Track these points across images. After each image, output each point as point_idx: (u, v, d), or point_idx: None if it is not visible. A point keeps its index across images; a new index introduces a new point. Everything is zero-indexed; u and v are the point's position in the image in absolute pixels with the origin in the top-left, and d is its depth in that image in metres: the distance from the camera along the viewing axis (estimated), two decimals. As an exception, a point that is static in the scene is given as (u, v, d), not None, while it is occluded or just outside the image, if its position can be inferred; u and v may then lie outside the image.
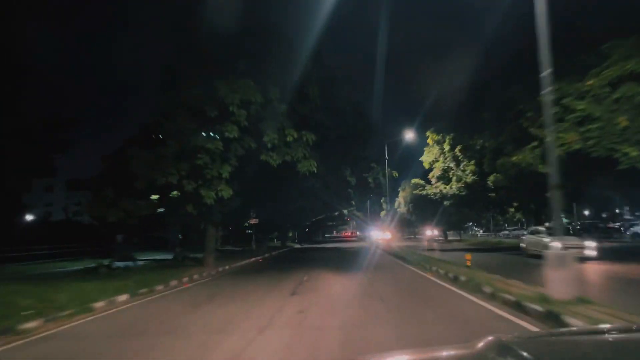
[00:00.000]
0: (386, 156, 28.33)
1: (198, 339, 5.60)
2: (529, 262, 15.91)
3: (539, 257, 15.62)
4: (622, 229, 37.46)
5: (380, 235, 44.26)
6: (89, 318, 7.38)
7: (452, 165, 26.27)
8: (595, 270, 12.74)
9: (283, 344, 5.16)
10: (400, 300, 7.96)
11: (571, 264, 6.28)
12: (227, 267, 17.61)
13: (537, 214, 26.16)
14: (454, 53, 19.41)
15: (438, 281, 10.23)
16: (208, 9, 13.77)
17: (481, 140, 23.01)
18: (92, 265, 15.30)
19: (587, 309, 5.49)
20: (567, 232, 15.49)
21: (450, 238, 49.59)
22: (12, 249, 21.02)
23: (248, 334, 5.59)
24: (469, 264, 11.40)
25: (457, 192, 24.53)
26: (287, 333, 5.66)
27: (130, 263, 17.43)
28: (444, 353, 1.70)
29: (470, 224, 56.65)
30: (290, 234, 51.08)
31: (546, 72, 6.80)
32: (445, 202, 27.78)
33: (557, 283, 6.17)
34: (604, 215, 51.38)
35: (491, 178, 21.39)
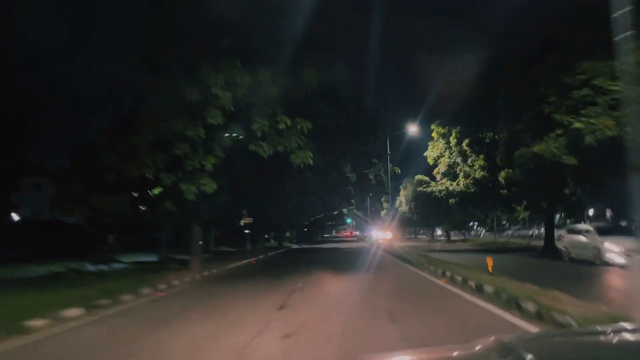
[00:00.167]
0: (388, 151, 26.67)
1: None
2: (560, 267, 14.19)
3: (585, 262, 13.93)
4: None
5: (380, 235, 42.59)
6: (15, 345, 5.69)
7: (458, 160, 24.59)
8: None
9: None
10: (417, 320, 6.26)
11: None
12: (214, 270, 15.95)
13: (549, 212, 24.48)
14: (464, 37, 17.61)
15: (458, 291, 8.54)
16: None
17: (491, 133, 21.36)
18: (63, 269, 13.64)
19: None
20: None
21: (452, 238, 47.92)
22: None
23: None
24: (491, 269, 9.69)
25: (465, 189, 22.85)
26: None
27: (105, 266, 15.73)
28: (445, 354, 1.72)
29: (472, 223, 54.90)
30: (288, 234, 49.38)
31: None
32: (450, 200, 26.08)
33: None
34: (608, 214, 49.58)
35: (502, 174, 19.71)
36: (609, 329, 1.87)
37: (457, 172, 24.19)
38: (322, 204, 30.78)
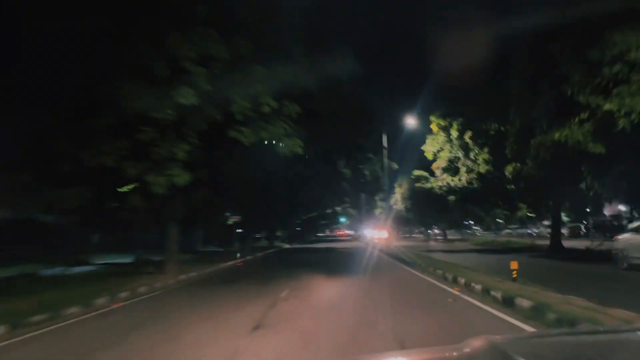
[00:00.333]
0: (385, 145, 25.00)
1: None
2: (589, 270, 12.44)
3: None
4: None
5: (375, 234, 40.91)
6: None
7: (460, 154, 22.96)
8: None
9: None
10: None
11: None
12: (193, 274, 14.22)
13: (555, 210, 23.00)
14: (470, 9, 15.88)
15: (478, 304, 6.85)
16: None
17: (496, 124, 19.77)
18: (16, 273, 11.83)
19: None
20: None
21: (449, 237, 46.40)
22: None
23: None
24: (515, 275, 8.01)
25: (467, 184, 21.24)
26: None
27: (71, 270, 13.93)
28: (435, 355, 1.70)
29: (468, 222, 53.41)
30: (280, 233, 47.58)
31: None
32: (450, 197, 24.44)
33: None
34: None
35: (509, 168, 18.13)
36: (602, 330, 2.10)
37: (460, 166, 22.56)
38: (315, 202, 29.05)
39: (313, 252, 28.36)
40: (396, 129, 28.64)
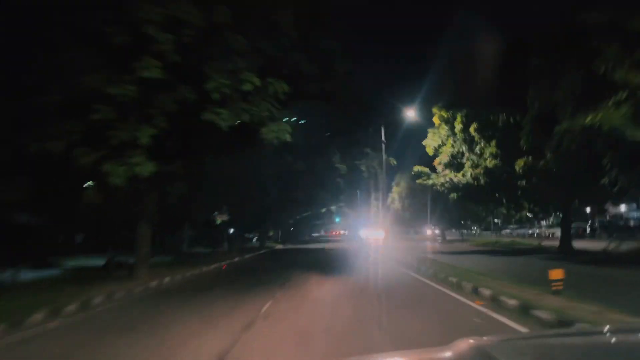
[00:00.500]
0: (383, 139, 23.28)
1: None
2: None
3: None
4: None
5: (371, 234, 39.22)
6: None
7: (464, 148, 21.32)
8: None
9: None
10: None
11: None
12: (167, 279, 12.49)
13: (565, 208, 21.46)
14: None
15: (514, 325, 5.19)
16: None
17: (504, 115, 18.17)
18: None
19: None
20: None
21: (448, 238, 44.80)
22: None
23: None
24: (560, 287, 6.27)
25: (472, 180, 19.58)
26: None
27: (27, 274, 12.12)
28: (420, 356, 1.70)
29: (467, 222, 51.83)
30: (272, 233, 45.75)
31: None
32: (452, 195, 22.75)
33: None
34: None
35: (520, 162, 16.53)
36: (594, 330, 2.01)
37: (465, 160, 20.92)
38: (308, 200, 27.30)
39: (306, 253, 26.60)
40: (394, 124, 26.91)
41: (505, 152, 18.14)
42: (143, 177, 9.10)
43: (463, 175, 20.36)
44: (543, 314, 5.09)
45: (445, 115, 21.36)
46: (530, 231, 47.92)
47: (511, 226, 54.22)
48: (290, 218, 39.39)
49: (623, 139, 9.43)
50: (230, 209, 25.21)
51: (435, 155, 24.84)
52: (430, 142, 24.21)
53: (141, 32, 8.27)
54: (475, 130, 19.43)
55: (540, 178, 15.72)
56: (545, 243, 26.54)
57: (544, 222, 55.87)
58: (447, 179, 21.10)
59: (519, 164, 16.53)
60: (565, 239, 20.87)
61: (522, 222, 52.55)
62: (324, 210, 45.21)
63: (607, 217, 41.46)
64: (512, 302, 5.96)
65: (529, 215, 43.87)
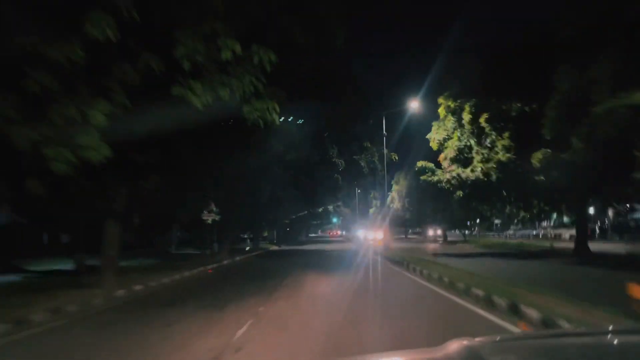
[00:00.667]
0: (384, 132, 21.61)
1: None
2: None
3: None
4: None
5: (370, 235, 37.47)
6: None
7: (472, 142, 19.68)
8: None
9: None
10: None
11: None
12: (138, 287, 10.79)
13: (581, 206, 19.87)
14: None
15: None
16: None
17: (519, 104, 16.55)
18: None
19: None
20: None
21: (449, 239, 43.07)
22: None
23: None
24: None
25: (482, 177, 17.90)
26: None
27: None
28: (411, 357, 1.68)
29: (470, 222, 50.07)
30: (267, 234, 43.94)
31: None
32: (458, 193, 21.04)
33: None
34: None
35: (538, 155, 14.90)
36: (586, 331, 2.06)
37: (473, 155, 19.26)
38: (304, 198, 25.55)
39: (302, 255, 24.85)
40: (396, 118, 25.25)
41: (519, 145, 16.51)
42: (96, 163, 7.36)
43: (472, 171, 18.70)
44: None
45: (452, 106, 19.72)
46: (534, 232, 46.31)
47: (513, 227, 52.60)
48: (286, 218, 37.59)
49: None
50: (220, 208, 23.49)
51: (439, 151, 23.21)
52: (434, 136, 22.57)
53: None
54: (486, 121, 17.78)
55: (563, 172, 14.08)
56: (559, 245, 24.93)
57: (544, 223, 54.40)
58: (455, 175, 19.42)
59: (537, 157, 14.89)
60: (582, 240, 19.26)
61: (524, 223, 51.02)
62: (321, 209, 43.50)
63: (611, 217, 39.92)
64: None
65: (530, 215, 42.31)
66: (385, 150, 22.18)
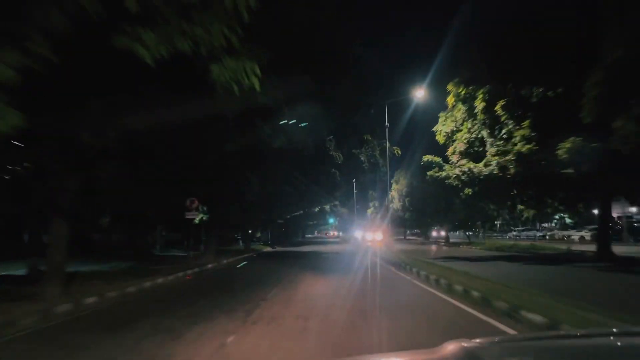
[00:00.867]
0: (387, 123, 19.63)
1: None
2: None
3: None
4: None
5: (369, 236, 35.50)
6: None
7: (484, 133, 17.73)
8: None
9: None
10: None
11: None
12: (91, 300, 8.73)
13: (604, 205, 18.01)
14: None
15: None
16: None
17: (541, 89, 14.61)
18: None
19: None
20: None
21: (451, 240, 41.13)
22: None
23: None
24: None
25: (498, 171, 15.93)
26: None
27: None
28: (409, 358, 1.66)
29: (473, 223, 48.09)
30: (259, 234, 41.87)
31: None
32: (466, 191, 19.04)
33: None
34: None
35: (565, 145, 12.97)
36: (583, 333, 1.91)
37: (487, 147, 17.29)
38: (298, 195, 23.51)
39: (295, 257, 22.81)
40: (397, 110, 23.29)
41: (541, 134, 14.57)
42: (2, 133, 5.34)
43: (486, 165, 16.72)
44: None
45: (463, 93, 17.74)
46: (539, 233, 44.48)
47: (518, 228, 50.76)
48: (280, 217, 35.53)
49: None
50: (207, 206, 21.49)
51: (445, 146, 21.30)
52: (441, 128, 20.65)
53: None
54: (503, 108, 15.81)
55: (595, 164, 12.16)
56: (576, 248, 23.07)
57: (545, 224, 52.65)
58: (466, 170, 17.43)
59: (564, 147, 12.96)
60: (605, 243, 17.35)
61: (526, 224, 49.22)
62: (317, 209, 41.49)
63: (615, 218, 38.14)
64: None
65: (542, 214, 40.38)
66: (387, 144, 20.19)
